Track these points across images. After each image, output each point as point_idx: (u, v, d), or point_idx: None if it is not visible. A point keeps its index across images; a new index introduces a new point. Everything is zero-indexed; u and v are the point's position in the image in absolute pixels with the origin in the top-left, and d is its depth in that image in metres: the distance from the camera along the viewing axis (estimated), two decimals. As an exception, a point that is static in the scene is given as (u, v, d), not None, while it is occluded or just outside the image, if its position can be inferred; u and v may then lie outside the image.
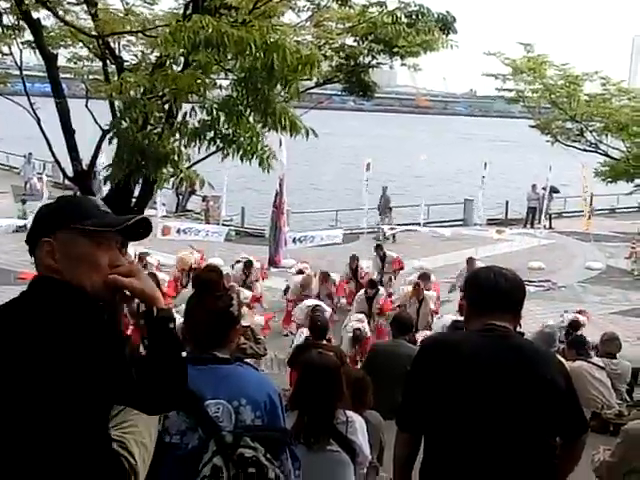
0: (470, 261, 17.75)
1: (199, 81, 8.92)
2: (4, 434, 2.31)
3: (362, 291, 16.01)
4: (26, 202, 25.61)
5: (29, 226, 2.62)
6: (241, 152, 9.07)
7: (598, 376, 9.80)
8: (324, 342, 9.57)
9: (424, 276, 16.29)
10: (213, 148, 9.46)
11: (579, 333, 11.84)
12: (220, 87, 9.81)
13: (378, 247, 19.33)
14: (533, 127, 22.42)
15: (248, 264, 17.20)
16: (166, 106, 9.77)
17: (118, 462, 2.54)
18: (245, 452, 3.00)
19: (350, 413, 4.64)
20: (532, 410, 3.36)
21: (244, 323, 11.60)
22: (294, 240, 22.11)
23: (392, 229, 25.19)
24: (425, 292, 15.26)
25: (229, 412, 3.15)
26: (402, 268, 18.99)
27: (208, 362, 3.24)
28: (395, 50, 12.98)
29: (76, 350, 2.31)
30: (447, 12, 13.11)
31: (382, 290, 16.17)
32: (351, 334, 12.91)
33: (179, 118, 9.73)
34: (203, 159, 10.37)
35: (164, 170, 9.58)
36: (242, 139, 9.03)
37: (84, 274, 2.46)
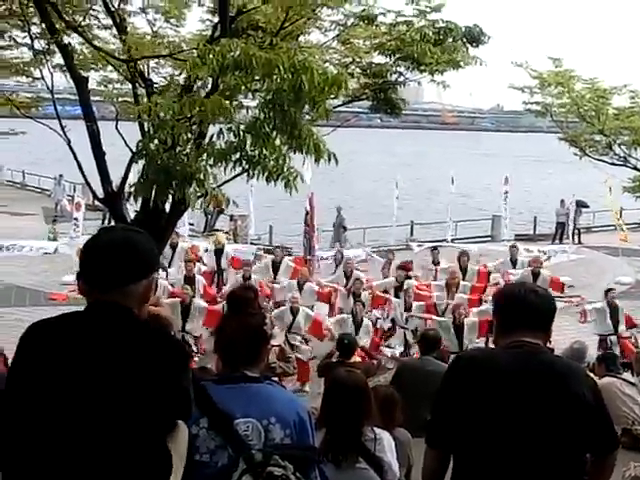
0: (462, 255, 18.11)
1: (226, 106, 8.99)
2: (81, 436, 2.51)
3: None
4: (56, 222, 25.88)
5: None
6: (267, 174, 9.12)
7: (629, 392, 9.68)
8: (352, 360, 9.58)
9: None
10: (239, 169, 9.53)
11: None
12: (247, 109, 9.88)
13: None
14: (562, 140, 22.29)
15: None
16: (194, 127, 9.88)
17: (170, 467, 2.70)
18: (274, 470, 3.01)
19: (378, 430, 4.65)
20: (563, 426, 3.35)
21: (274, 342, 11.69)
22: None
23: (419, 245, 25.08)
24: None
25: (259, 430, 3.17)
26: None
27: (238, 381, 3.27)
28: (422, 67, 13.01)
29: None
30: (475, 25, 13.13)
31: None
32: None
33: (206, 140, 9.82)
34: (229, 180, 10.46)
35: (190, 189, 9.65)
36: (268, 160, 9.09)
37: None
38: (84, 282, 2.76)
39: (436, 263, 19.04)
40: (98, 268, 2.71)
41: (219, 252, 18.75)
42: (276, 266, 17.76)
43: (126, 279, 2.73)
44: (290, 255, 20.87)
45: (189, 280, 16.18)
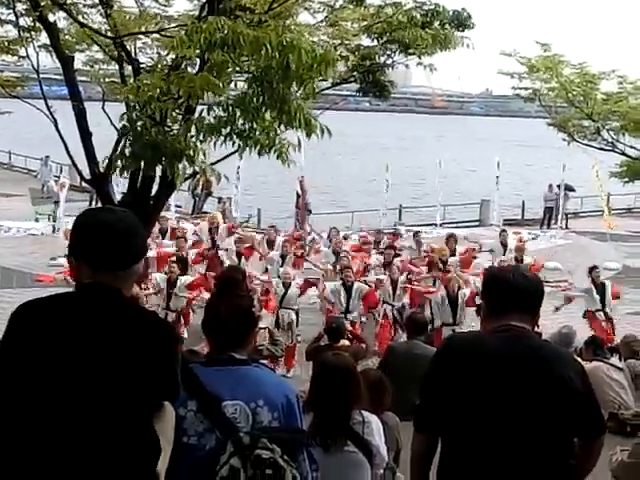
0: (450, 237, 18.28)
1: (215, 82, 8.92)
2: (68, 415, 2.52)
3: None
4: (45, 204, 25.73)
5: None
6: (258, 147, 9.07)
7: (615, 377, 9.73)
8: (340, 344, 9.57)
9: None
10: (230, 145, 9.46)
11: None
12: (236, 84, 9.81)
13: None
14: (550, 125, 22.30)
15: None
16: (183, 105, 9.79)
17: (159, 448, 2.70)
18: (262, 453, 3.01)
19: (366, 414, 4.64)
20: (549, 410, 3.35)
21: (261, 325, 11.65)
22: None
23: (408, 230, 25.09)
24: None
25: (246, 413, 3.15)
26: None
27: (226, 363, 3.25)
28: (411, 50, 12.96)
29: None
30: (462, 9, 13.11)
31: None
32: None
33: (195, 115, 9.75)
34: (222, 160, 10.39)
35: (179, 165, 9.57)
36: (258, 134, 9.04)
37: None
38: (86, 262, 2.72)
39: (419, 246, 19.05)
40: (106, 249, 2.70)
41: (214, 231, 18.70)
42: (270, 244, 18.05)
43: (131, 260, 2.75)
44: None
45: (181, 259, 16.12)
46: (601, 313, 15.68)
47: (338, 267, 16.65)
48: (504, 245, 19.19)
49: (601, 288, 15.86)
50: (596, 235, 27.79)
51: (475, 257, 18.20)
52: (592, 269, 16.33)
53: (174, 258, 16.04)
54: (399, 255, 17.72)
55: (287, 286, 15.15)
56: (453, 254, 17.67)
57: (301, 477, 3.12)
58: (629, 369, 10.08)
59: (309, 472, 3.25)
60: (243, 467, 3.00)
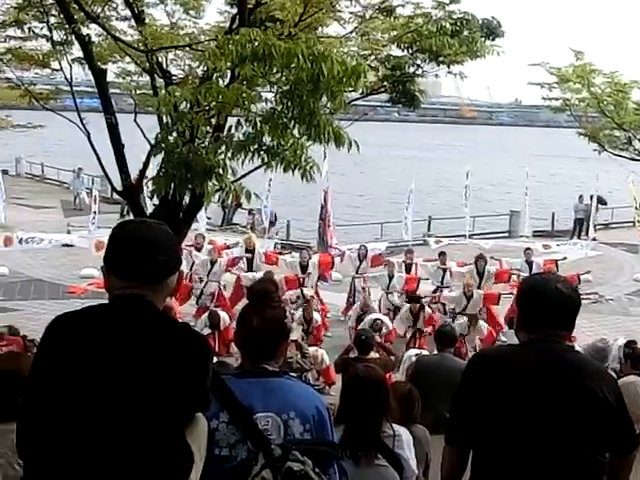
0: (479, 259, 17.92)
1: (244, 95, 8.98)
2: (102, 428, 2.54)
3: (407, 308, 16.10)
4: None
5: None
6: (284, 164, 9.10)
7: (649, 392, 9.61)
8: (370, 356, 9.56)
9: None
10: (257, 161, 9.51)
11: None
12: (265, 100, 9.86)
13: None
14: (581, 135, 22.12)
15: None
16: (213, 120, 9.85)
17: (191, 460, 2.71)
18: (293, 466, 3.00)
19: (397, 427, 4.62)
20: (581, 425, 3.32)
21: (292, 337, 11.67)
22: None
23: (437, 242, 24.98)
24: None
25: (278, 425, 3.14)
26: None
27: (258, 375, 3.25)
28: (440, 59, 12.95)
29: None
30: (492, 17, 13.07)
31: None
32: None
33: (224, 132, 9.80)
34: (248, 173, 10.43)
35: (209, 183, 9.64)
36: (286, 151, 9.07)
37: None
38: (116, 275, 2.74)
39: (408, 264, 18.65)
40: (139, 262, 2.70)
41: (251, 252, 18.68)
42: (303, 267, 17.78)
43: (165, 273, 2.76)
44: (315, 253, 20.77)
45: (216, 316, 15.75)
46: None
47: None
48: (529, 263, 18.89)
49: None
50: (627, 246, 27.52)
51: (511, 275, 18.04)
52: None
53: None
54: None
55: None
56: (481, 275, 17.50)
57: (331, 490, 3.11)
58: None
59: (340, 485, 3.24)
60: (274, 479, 2.99)
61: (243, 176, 10.30)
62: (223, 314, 15.22)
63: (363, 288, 17.35)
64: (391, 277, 17.41)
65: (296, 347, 11.77)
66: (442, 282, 18.33)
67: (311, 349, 12.62)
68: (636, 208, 26.98)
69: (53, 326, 2.70)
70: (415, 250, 20.48)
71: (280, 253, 20.18)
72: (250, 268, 18.33)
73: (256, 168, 10.20)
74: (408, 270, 18.19)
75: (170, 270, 2.78)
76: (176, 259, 2.85)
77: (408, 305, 16.03)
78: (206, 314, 15.29)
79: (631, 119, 20.60)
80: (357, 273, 18.56)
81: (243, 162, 9.46)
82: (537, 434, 3.32)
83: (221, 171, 9.35)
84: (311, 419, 3.19)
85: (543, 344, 3.44)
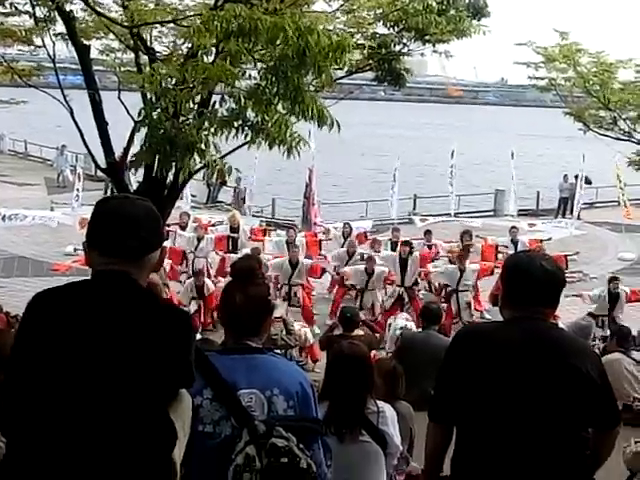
0: (465, 234, 17.98)
1: (228, 72, 8.91)
2: (84, 404, 2.53)
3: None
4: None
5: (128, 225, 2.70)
6: (269, 140, 9.06)
7: (631, 369, 9.73)
8: (354, 333, 9.57)
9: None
10: (242, 137, 9.46)
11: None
12: (250, 76, 9.81)
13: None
14: (567, 115, 22.14)
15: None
16: (197, 97, 9.79)
17: (175, 436, 2.71)
18: (278, 442, 3.01)
19: (381, 403, 4.64)
20: (564, 400, 3.34)
21: (276, 314, 11.67)
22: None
23: (422, 220, 25.02)
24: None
25: (262, 402, 3.15)
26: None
27: (242, 351, 3.25)
28: (426, 37, 12.91)
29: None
30: None
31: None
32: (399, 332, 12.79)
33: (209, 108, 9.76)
34: (233, 151, 10.38)
35: (191, 159, 9.59)
36: (270, 127, 9.03)
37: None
38: (99, 251, 2.72)
39: (394, 242, 18.55)
40: (118, 237, 2.68)
41: (235, 231, 18.70)
42: (289, 245, 17.72)
43: (146, 249, 2.73)
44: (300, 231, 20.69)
45: (200, 288, 15.64)
46: (605, 319, 15.08)
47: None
48: (514, 243, 18.97)
49: (614, 298, 15.29)
50: (611, 226, 27.66)
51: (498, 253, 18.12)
52: (612, 280, 15.75)
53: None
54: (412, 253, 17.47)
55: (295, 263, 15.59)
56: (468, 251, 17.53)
57: (315, 466, 3.11)
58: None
59: (323, 461, 3.25)
60: (258, 455, 3.00)
61: (228, 153, 10.26)
62: (207, 280, 15.38)
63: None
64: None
65: (282, 324, 11.78)
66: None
67: (296, 326, 12.63)
68: (620, 188, 27.14)
69: (34, 303, 2.68)
70: (401, 228, 20.45)
71: (265, 230, 20.17)
72: (235, 246, 18.33)
73: (241, 145, 10.15)
74: (394, 247, 18.19)
75: (152, 246, 2.76)
76: (159, 235, 2.83)
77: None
78: (190, 280, 15.43)
79: (616, 98, 20.61)
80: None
81: (227, 138, 9.42)
82: (521, 411, 3.34)
83: (204, 147, 9.30)
84: (295, 395, 3.20)
85: (527, 321, 3.45)
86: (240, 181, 25.96)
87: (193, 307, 14.49)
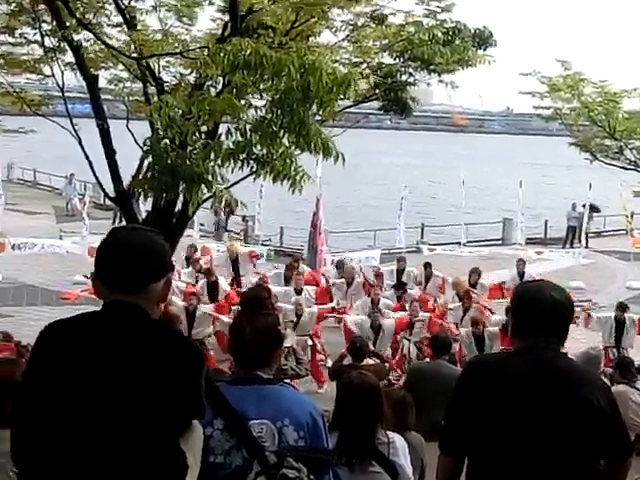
0: (473, 272, 17.68)
1: (234, 105, 8.97)
2: (95, 435, 2.52)
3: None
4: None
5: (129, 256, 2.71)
6: (274, 173, 9.09)
7: (636, 399, 9.66)
8: (363, 363, 9.55)
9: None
10: (247, 169, 9.50)
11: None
12: (255, 108, 9.86)
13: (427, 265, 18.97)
14: (572, 144, 22.18)
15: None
16: (203, 127, 9.85)
17: (186, 467, 2.70)
18: (288, 473, 2.99)
19: (392, 434, 4.61)
20: (575, 432, 3.31)
21: (286, 344, 11.63)
22: (332, 262, 21.78)
23: (431, 250, 24.96)
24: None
25: (272, 432, 3.14)
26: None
27: (252, 382, 3.24)
28: (432, 67, 12.99)
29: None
30: (484, 27, 13.13)
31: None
32: None
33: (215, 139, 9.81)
34: (238, 182, 10.42)
35: (198, 190, 9.62)
36: (275, 160, 9.06)
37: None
38: (101, 282, 2.73)
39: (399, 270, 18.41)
40: (118, 268, 2.69)
41: (235, 261, 18.52)
42: (288, 279, 17.25)
43: (146, 279, 2.72)
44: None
45: (213, 285, 15.72)
46: (614, 350, 14.62)
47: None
48: (520, 275, 18.63)
49: (620, 325, 14.84)
50: (619, 254, 27.61)
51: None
52: (620, 307, 15.32)
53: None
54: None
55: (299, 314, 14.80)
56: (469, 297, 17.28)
57: (326, 496, 3.09)
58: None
59: (334, 492, 3.23)
60: (269, 486, 2.98)
61: (234, 184, 10.29)
62: (222, 281, 15.44)
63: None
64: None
65: (292, 353, 11.72)
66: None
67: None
68: (627, 217, 27.12)
69: (46, 333, 2.69)
70: (408, 257, 20.38)
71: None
72: (237, 273, 18.18)
73: (246, 176, 10.18)
74: (400, 276, 18.06)
75: (154, 277, 2.74)
76: (161, 266, 2.80)
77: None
78: (203, 280, 15.40)
79: (622, 128, 20.66)
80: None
81: (233, 170, 9.45)
82: (531, 442, 3.31)
83: (210, 178, 9.33)
84: (305, 426, 3.18)
85: (536, 351, 3.43)
86: (247, 210, 26.04)
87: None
